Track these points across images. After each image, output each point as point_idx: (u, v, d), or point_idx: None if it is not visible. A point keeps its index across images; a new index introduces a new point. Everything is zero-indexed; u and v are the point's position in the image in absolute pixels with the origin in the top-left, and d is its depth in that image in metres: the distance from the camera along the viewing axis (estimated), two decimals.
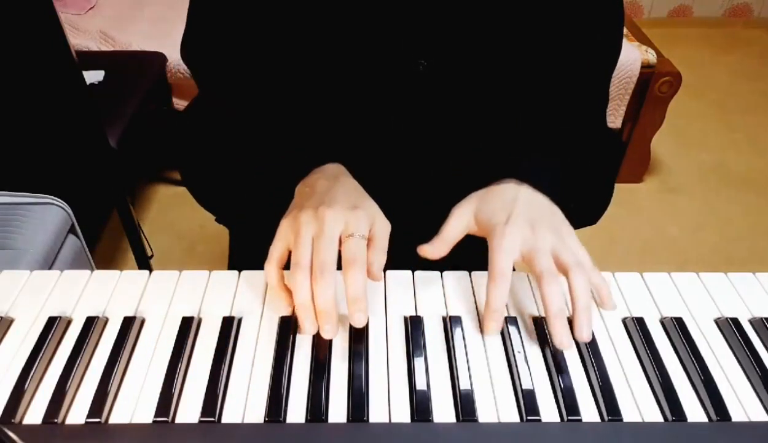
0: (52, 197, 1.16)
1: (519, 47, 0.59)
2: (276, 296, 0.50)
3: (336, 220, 0.48)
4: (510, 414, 0.44)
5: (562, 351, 0.48)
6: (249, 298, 0.52)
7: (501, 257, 0.49)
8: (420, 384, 0.45)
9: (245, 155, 0.62)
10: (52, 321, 0.49)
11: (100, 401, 0.43)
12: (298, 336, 0.49)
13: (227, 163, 0.64)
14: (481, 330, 0.50)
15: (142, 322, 0.50)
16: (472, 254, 0.56)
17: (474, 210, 0.54)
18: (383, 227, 0.51)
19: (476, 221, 0.54)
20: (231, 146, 0.63)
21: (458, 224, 0.54)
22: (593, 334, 0.49)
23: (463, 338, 0.49)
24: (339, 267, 0.49)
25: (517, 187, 0.54)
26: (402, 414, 0.43)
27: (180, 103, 1.98)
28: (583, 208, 0.64)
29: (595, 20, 0.61)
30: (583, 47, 0.62)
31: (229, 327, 0.49)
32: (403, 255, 0.55)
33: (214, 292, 0.53)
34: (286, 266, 0.49)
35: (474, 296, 0.53)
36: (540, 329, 0.50)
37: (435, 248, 0.53)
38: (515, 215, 0.51)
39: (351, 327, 0.49)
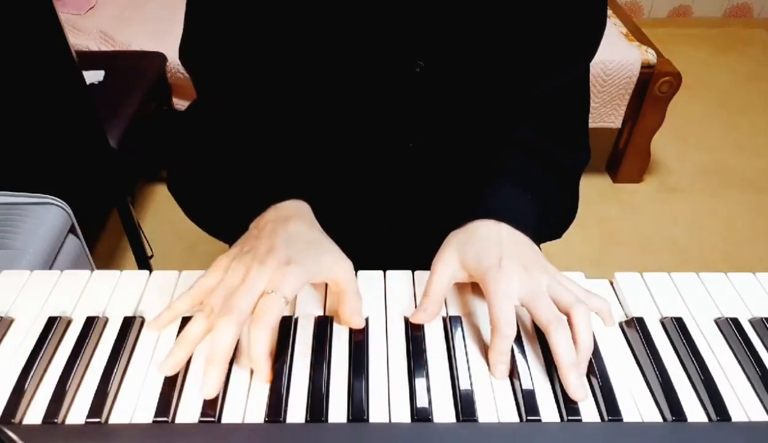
0: (52, 197, 1.16)
1: (513, 45, 0.59)
2: (161, 321, 0.48)
3: (261, 276, 0.46)
4: (510, 414, 0.44)
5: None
6: None
7: (502, 306, 0.47)
8: (420, 384, 0.45)
9: (222, 170, 0.60)
10: (52, 321, 0.49)
11: (100, 401, 0.43)
12: (298, 336, 0.49)
13: (206, 172, 0.63)
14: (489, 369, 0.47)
15: (142, 322, 0.50)
16: None
17: (458, 258, 0.52)
18: (341, 271, 0.49)
19: (464, 268, 0.51)
20: (213, 157, 0.62)
21: (443, 277, 0.51)
22: (593, 334, 0.49)
23: (463, 338, 0.49)
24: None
25: (497, 227, 0.52)
26: (402, 414, 0.43)
27: (180, 103, 1.97)
28: (555, 229, 0.64)
29: (580, 17, 0.61)
30: (569, 45, 0.61)
31: None
32: (402, 256, 0.55)
33: None
34: None
35: (474, 296, 0.53)
36: (540, 329, 0.49)
37: (427, 312, 0.50)
38: (506, 257, 0.49)
39: (350, 327, 0.49)
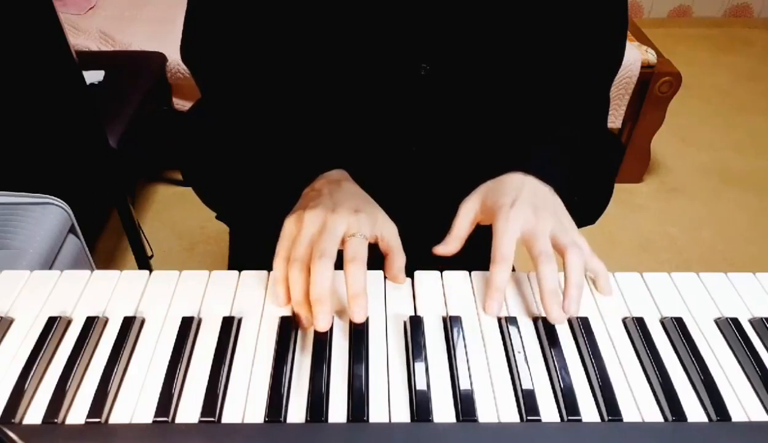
0: (52, 197, 1.16)
1: (521, 50, 0.59)
2: (276, 289, 0.51)
3: (340, 221, 0.50)
4: (510, 414, 0.44)
5: (562, 350, 0.48)
6: (249, 298, 0.52)
7: (504, 240, 0.51)
8: (420, 384, 0.45)
9: (249, 160, 0.62)
10: (52, 321, 0.49)
11: (100, 401, 0.43)
12: (298, 336, 0.49)
13: (231, 166, 0.64)
14: (484, 309, 0.51)
15: (142, 322, 0.50)
16: (472, 254, 0.56)
17: (481, 200, 0.56)
18: (390, 230, 0.54)
19: (483, 209, 0.56)
20: (235, 149, 0.64)
21: (466, 217, 0.56)
22: (593, 334, 0.49)
23: (463, 338, 0.49)
24: (339, 267, 0.49)
25: (523, 177, 0.56)
26: (402, 414, 0.43)
27: (180, 103, 1.98)
28: (584, 207, 0.65)
29: (600, 25, 0.61)
30: (587, 51, 0.62)
31: (229, 327, 0.49)
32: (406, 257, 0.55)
33: (214, 292, 0.53)
34: None
35: (474, 296, 0.53)
36: (540, 329, 0.50)
37: (448, 247, 0.55)
38: (520, 199, 0.53)
39: (351, 327, 0.49)
